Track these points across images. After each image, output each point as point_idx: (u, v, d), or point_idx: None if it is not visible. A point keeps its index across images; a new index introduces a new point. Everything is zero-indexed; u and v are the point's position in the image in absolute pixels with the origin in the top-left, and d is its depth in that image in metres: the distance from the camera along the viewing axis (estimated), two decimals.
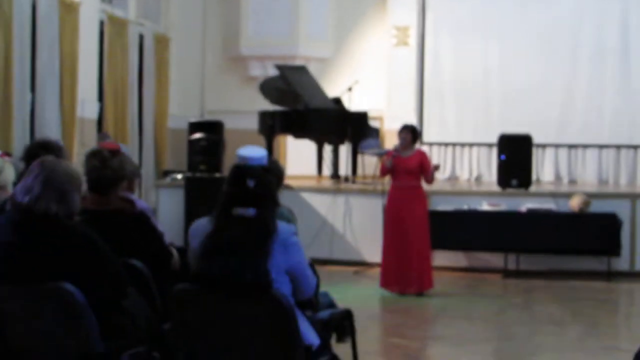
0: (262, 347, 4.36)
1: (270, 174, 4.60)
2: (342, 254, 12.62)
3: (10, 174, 6.63)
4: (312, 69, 14.83)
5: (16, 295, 4.37)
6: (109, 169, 5.21)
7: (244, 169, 4.47)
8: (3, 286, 4.35)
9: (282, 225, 4.43)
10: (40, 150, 5.51)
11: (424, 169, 10.50)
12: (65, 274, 4.29)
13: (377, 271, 11.02)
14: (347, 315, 5.64)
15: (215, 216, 4.43)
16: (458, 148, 16.03)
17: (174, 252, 5.61)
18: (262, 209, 4.35)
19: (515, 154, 12.72)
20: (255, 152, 4.71)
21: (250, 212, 4.32)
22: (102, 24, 13.30)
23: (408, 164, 10.44)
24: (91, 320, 4.34)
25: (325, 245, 12.40)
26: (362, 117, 13.77)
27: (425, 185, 10.83)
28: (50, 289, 4.29)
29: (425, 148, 11.97)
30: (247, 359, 4.39)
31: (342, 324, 5.59)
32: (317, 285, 4.88)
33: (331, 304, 5.72)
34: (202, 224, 4.54)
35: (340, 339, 5.64)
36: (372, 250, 12.05)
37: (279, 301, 4.23)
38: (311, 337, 4.57)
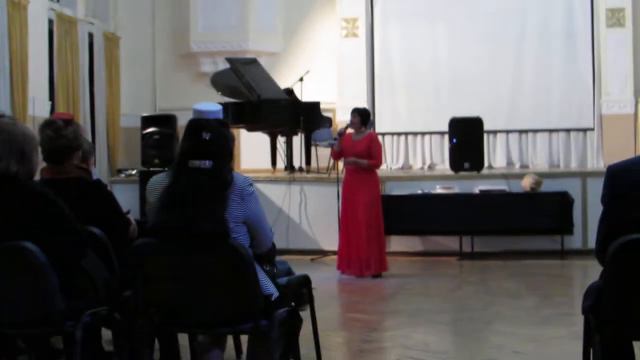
0: (222, 296, 4.47)
1: (226, 128, 4.70)
2: (298, 243, 12.74)
3: None
4: (263, 63, 14.93)
5: None
6: (64, 138, 5.26)
7: (199, 122, 4.59)
8: None
9: (238, 176, 4.55)
10: None
11: (373, 152, 10.62)
12: (26, 233, 4.37)
13: (333, 258, 11.18)
14: (305, 282, 5.74)
15: (172, 169, 4.53)
16: (410, 137, 16.14)
17: (132, 220, 5.70)
18: (217, 161, 4.47)
19: (466, 137, 12.96)
20: (210, 106, 4.82)
21: (206, 164, 4.44)
22: (51, 22, 13.28)
23: (356, 147, 10.60)
24: (52, 278, 4.42)
25: (282, 235, 12.44)
26: (314, 106, 13.90)
27: (379, 171, 10.99)
28: (11, 248, 4.37)
29: (378, 138, 11.99)
30: (208, 307, 4.50)
31: (300, 292, 5.68)
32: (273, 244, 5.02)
33: (289, 272, 5.81)
34: (159, 179, 4.65)
35: (298, 307, 5.73)
36: (328, 238, 12.23)
37: (237, 250, 4.35)
38: (270, 287, 4.68)
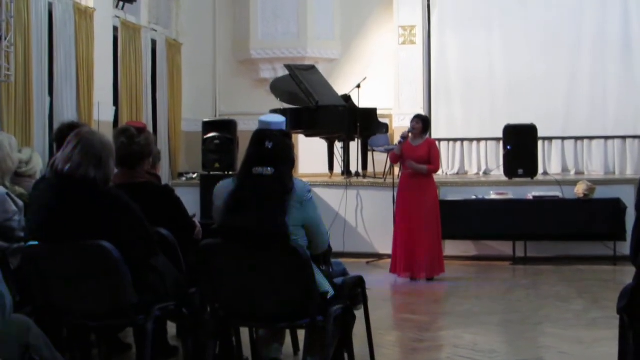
0: (282, 293, 4.88)
1: (288, 138, 5.13)
2: (354, 246, 13.05)
3: (38, 163, 7.12)
4: (321, 69, 15.34)
5: (59, 253, 4.89)
6: (137, 145, 5.73)
7: (263, 132, 5.02)
8: (46, 244, 4.87)
9: (298, 183, 4.97)
10: (70, 130, 5.96)
11: (432, 157, 10.96)
12: (103, 233, 4.81)
13: (389, 261, 11.49)
14: (360, 282, 6.10)
15: (237, 175, 4.97)
16: (466, 143, 16.45)
17: (197, 223, 6.13)
18: (279, 168, 4.88)
19: (520, 144, 13.22)
20: (274, 117, 5.28)
21: (268, 170, 4.85)
22: (115, 29, 13.77)
23: (417, 152, 10.91)
24: (126, 275, 4.86)
25: (339, 238, 12.73)
26: (371, 113, 14.24)
27: (435, 176, 11.31)
28: (89, 246, 4.82)
29: (436, 144, 12.17)
30: (268, 303, 4.91)
31: (355, 292, 6.05)
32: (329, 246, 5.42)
33: (344, 273, 6.18)
34: (226, 184, 5.09)
35: (353, 306, 6.09)
36: (383, 242, 12.54)
37: (296, 250, 4.76)
38: (326, 286, 5.09)
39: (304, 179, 12.82)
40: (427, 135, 11.34)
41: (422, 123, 11.09)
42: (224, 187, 5.09)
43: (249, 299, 4.94)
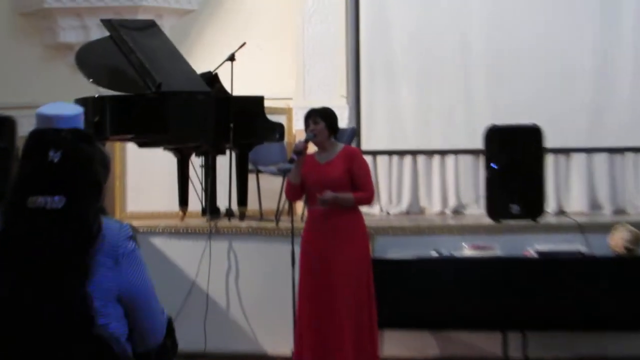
0: None
1: (89, 144, 4.91)
2: (224, 342, 12.98)
3: None
4: (169, 27, 15.23)
5: None
6: None
7: (45, 135, 4.80)
8: None
9: (110, 224, 4.76)
10: None
11: (358, 177, 10.57)
12: None
13: None
14: None
15: (2, 212, 4.74)
16: (421, 159, 16.38)
17: None
18: (74, 197, 4.68)
19: (515, 161, 13.19)
20: (64, 109, 5.02)
21: (55, 201, 4.66)
22: None
23: (328, 174, 10.56)
24: None
25: (196, 328, 12.61)
26: (254, 104, 14.12)
27: (365, 217, 11.13)
28: None
29: (367, 159, 11.70)
30: None
31: None
32: (171, 327, 5.22)
33: None
34: None
35: None
36: (276, 334, 12.42)
37: (106, 346, 4.58)
38: None
39: (137, 222, 12.73)
40: (339, 141, 11.01)
41: (325, 120, 10.74)
42: None
43: None
